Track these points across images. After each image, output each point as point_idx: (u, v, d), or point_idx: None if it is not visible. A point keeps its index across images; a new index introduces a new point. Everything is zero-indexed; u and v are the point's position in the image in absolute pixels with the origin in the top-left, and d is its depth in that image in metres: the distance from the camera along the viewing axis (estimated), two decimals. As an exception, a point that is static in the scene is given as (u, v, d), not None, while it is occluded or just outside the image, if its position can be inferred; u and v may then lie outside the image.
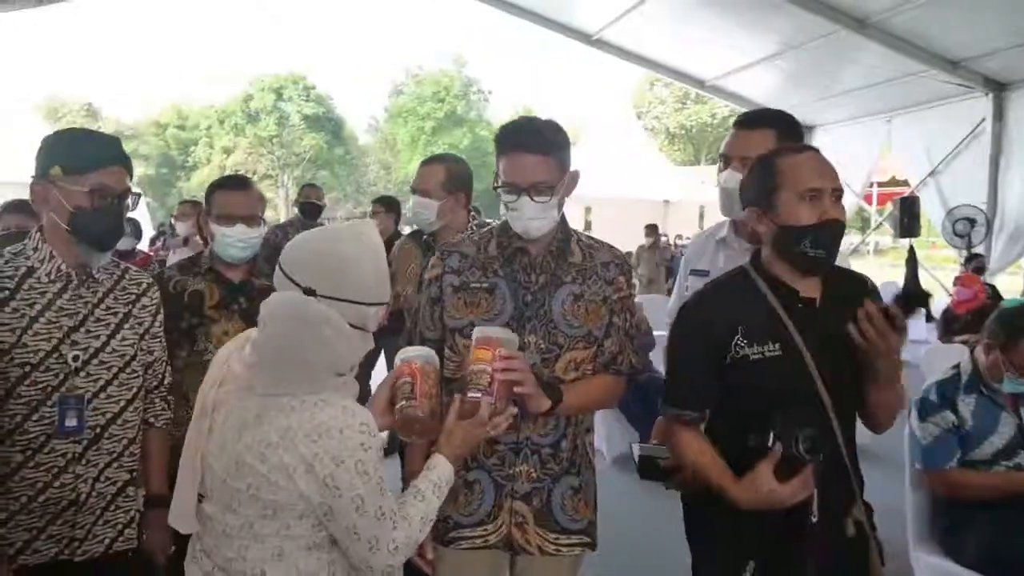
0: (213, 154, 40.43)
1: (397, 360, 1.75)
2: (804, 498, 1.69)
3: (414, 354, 1.74)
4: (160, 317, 2.20)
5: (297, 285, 1.48)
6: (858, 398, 1.83)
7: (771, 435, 1.66)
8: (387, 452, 3.97)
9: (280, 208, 36.12)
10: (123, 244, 7.69)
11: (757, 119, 2.30)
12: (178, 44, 63.77)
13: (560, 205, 1.94)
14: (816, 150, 1.81)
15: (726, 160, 2.27)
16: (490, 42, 71.83)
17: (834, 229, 1.75)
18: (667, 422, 1.94)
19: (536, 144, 1.87)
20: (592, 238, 2.09)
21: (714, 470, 1.80)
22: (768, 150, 1.94)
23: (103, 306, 2.05)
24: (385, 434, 1.63)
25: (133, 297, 2.13)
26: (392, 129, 42.12)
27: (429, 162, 3.08)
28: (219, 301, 2.60)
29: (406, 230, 5.16)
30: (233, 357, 1.58)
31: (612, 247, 2.08)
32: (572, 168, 1.94)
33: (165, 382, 2.23)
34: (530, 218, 1.88)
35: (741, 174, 2.02)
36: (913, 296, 1.73)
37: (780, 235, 1.77)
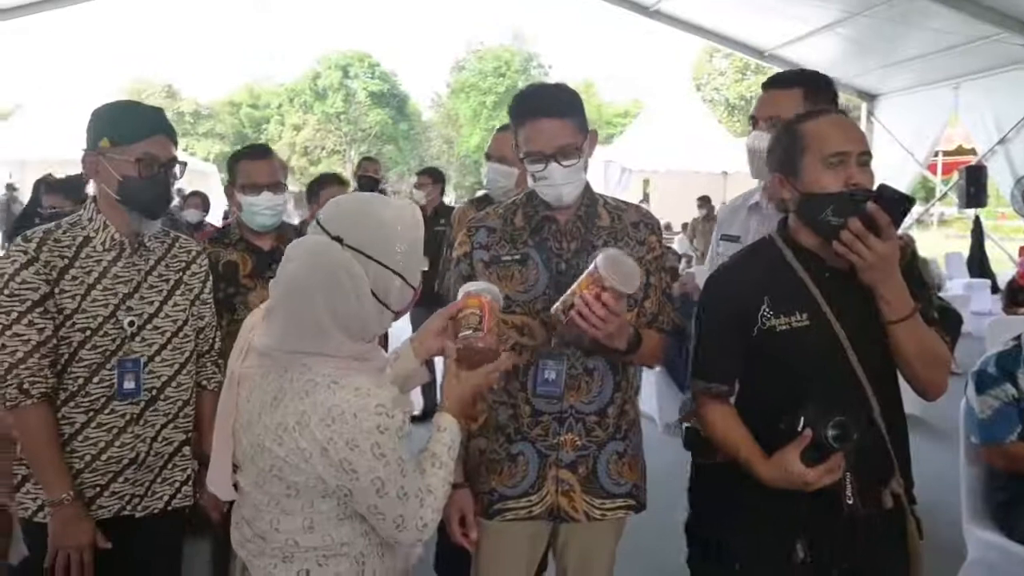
0: (284, 131, 41.04)
1: (460, 293, 1.70)
2: (831, 482, 1.62)
3: (482, 287, 1.70)
4: (209, 284, 2.23)
5: (327, 232, 1.40)
6: (895, 370, 1.74)
7: (801, 420, 1.60)
8: (422, 417, 3.99)
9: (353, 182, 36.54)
10: (192, 216, 7.93)
11: (784, 79, 2.26)
12: (250, 26, 64.74)
13: (586, 167, 1.90)
14: (843, 112, 1.72)
15: (754, 121, 2.24)
16: (549, 17, 70.87)
17: (860, 197, 1.64)
18: (697, 396, 1.89)
19: (555, 108, 1.83)
20: (618, 200, 2.04)
21: (743, 446, 1.74)
22: (796, 111, 1.87)
23: (155, 273, 2.08)
24: (419, 401, 1.61)
25: (183, 264, 2.16)
26: (454, 104, 42.01)
27: (508, 128, 2.98)
28: (252, 270, 2.65)
29: (447, 202, 5.14)
30: (257, 327, 1.52)
31: (638, 207, 2.03)
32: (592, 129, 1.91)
33: (216, 347, 2.27)
34: (561, 183, 1.84)
35: (768, 135, 1.97)
36: (890, 197, 1.62)
37: (803, 202, 1.69)
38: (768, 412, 1.72)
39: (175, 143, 2.04)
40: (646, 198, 18.64)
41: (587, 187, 1.95)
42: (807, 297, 1.71)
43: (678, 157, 17.20)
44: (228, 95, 43.82)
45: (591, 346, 1.79)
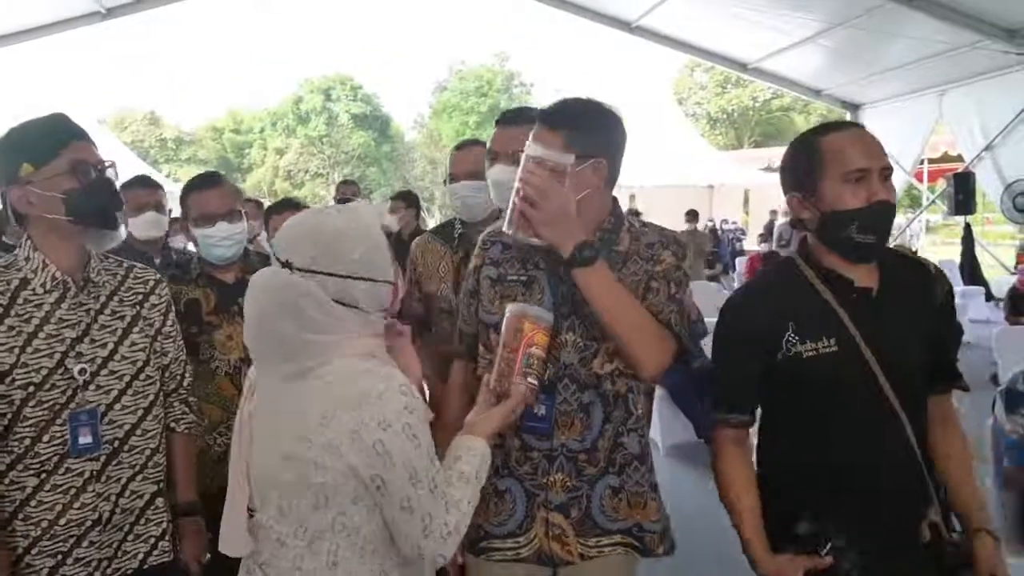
0: (267, 155, 41.03)
1: (524, 317, 1.65)
2: None
3: (541, 314, 1.66)
4: (171, 315, 2.04)
5: (278, 259, 1.41)
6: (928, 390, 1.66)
7: (827, 545, 1.59)
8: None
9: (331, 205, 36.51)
10: (178, 243, 7.79)
11: (517, 116, 2.26)
12: (231, 52, 64.89)
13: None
14: (860, 126, 1.63)
15: (494, 156, 2.20)
16: (530, 35, 71.36)
17: (883, 211, 1.57)
18: (716, 429, 1.79)
19: (549, 116, 1.77)
20: (647, 224, 1.90)
21: (748, 526, 1.69)
22: (522, 144, 1.86)
23: (107, 311, 1.89)
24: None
25: (140, 297, 1.97)
26: (437, 125, 42.11)
27: (469, 144, 2.76)
28: (216, 306, 2.47)
29: (430, 225, 5.02)
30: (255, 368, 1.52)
31: (664, 229, 1.88)
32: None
33: (184, 383, 2.09)
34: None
35: (511, 167, 1.97)
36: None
37: (825, 221, 1.62)
38: (794, 443, 1.67)
39: (94, 144, 1.84)
40: (632, 212, 18.63)
41: (615, 209, 1.84)
42: (834, 321, 1.63)
43: (663, 171, 17.23)
44: (210, 121, 43.79)
45: (540, 241, 1.67)
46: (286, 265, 1.39)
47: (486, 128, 39.48)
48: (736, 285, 10.84)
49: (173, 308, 2.06)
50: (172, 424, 2.06)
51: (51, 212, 1.77)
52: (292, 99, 41.90)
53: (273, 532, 1.43)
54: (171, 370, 2.05)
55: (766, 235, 13.14)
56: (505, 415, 1.62)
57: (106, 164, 1.83)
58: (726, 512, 1.77)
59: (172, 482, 2.04)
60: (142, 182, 3.46)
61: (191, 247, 3.12)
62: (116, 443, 1.87)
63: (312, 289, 1.37)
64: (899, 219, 18.05)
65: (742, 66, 11.11)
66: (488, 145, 2.26)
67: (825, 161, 1.59)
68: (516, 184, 1.64)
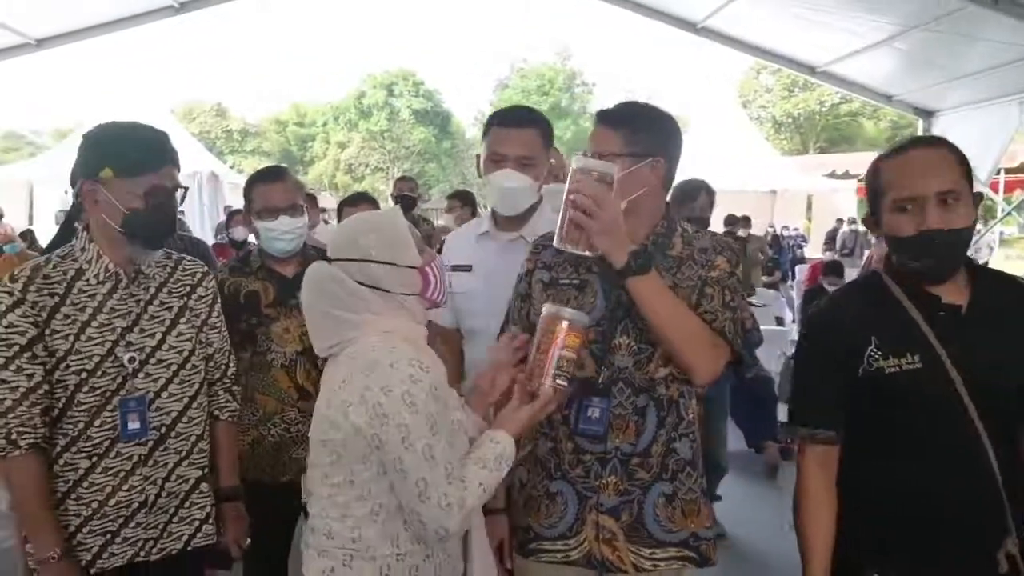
0: (329, 149, 41.69)
1: (550, 312, 1.67)
2: None
3: (576, 316, 1.66)
4: (218, 307, 2.13)
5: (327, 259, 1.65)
6: (1019, 416, 1.58)
7: None
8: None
9: (390, 200, 36.98)
10: (238, 234, 7.95)
11: (523, 119, 2.27)
12: (297, 46, 66.18)
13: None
14: (927, 145, 1.56)
15: (499, 159, 2.21)
16: (594, 34, 71.02)
17: (934, 240, 1.51)
18: (800, 447, 1.76)
19: (608, 115, 1.82)
20: (700, 229, 1.93)
21: (816, 558, 1.66)
22: (530, 149, 2.15)
23: (156, 302, 1.98)
24: (442, 375, 1.56)
25: (187, 289, 2.05)
26: (497, 123, 42.24)
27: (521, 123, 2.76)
28: (275, 298, 2.51)
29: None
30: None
31: (716, 234, 1.90)
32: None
33: (228, 373, 2.17)
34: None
35: (519, 172, 2.15)
36: None
37: (889, 246, 1.64)
38: (870, 463, 1.64)
39: (179, 168, 1.92)
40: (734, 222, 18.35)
41: (668, 214, 1.87)
42: (919, 337, 1.60)
43: (725, 175, 16.89)
44: (275, 114, 44.71)
45: (592, 252, 1.67)
46: (325, 259, 1.63)
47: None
48: (795, 294, 10.60)
49: (219, 300, 2.13)
50: (216, 412, 2.13)
51: (109, 217, 1.86)
52: (355, 94, 42.51)
53: (310, 486, 1.61)
54: (215, 360, 2.13)
55: (830, 243, 12.82)
56: (532, 415, 1.65)
57: (177, 190, 1.93)
58: (794, 533, 1.74)
59: (215, 468, 2.13)
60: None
61: (252, 239, 3.18)
62: (163, 429, 1.95)
63: (337, 273, 1.58)
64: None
65: (810, 69, 10.82)
66: (491, 146, 2.23)
67: (882, 186, 1.60)
68: (568, 196, 1.63)
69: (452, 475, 1.48)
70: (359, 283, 1.57)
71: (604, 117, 1.79)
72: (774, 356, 6.18)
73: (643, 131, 1.76)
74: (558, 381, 1.64)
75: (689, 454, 1.83)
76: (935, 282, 1.62)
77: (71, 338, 1.84)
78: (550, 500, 1.83)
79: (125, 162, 1.83)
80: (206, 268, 2.13)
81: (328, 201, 23.56)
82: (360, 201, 3.71)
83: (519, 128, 2.21)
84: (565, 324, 1.63)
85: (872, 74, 10.02)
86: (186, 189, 1.96)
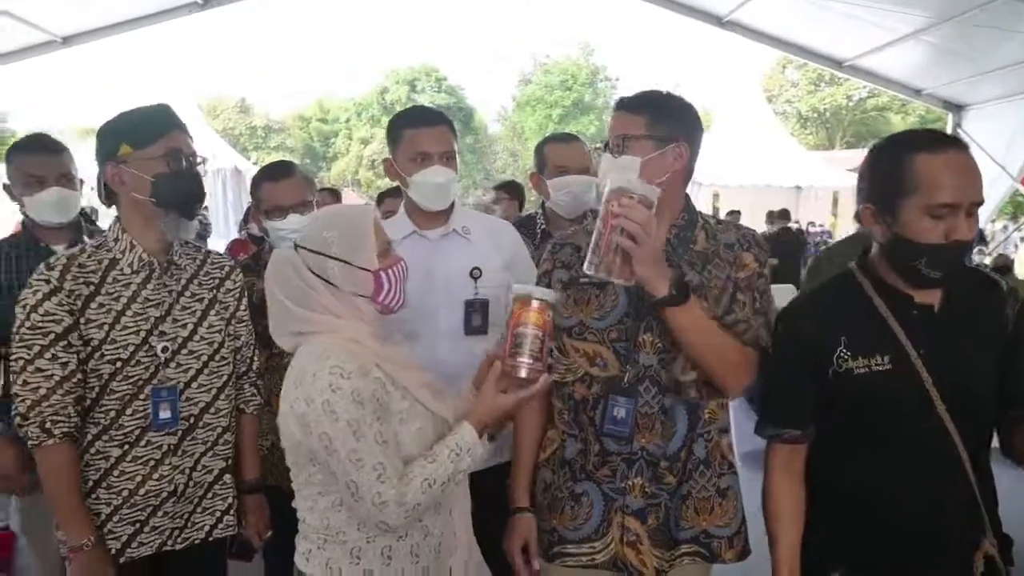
0: (352, 144, 41.90)
1: (517, 292, 1.62)
2: None
3: (543, 293, 1.61)
4: (244, 301, 2.16)
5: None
6: (991, 416, 1.61)
7: None
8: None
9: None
10: (257, 229, 7.99)
11: (439, 117, 2.35)
12: (320, 42, 66.53)
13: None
14: (961, 147, 1.48)
15: (424, 156, 2.26)
16: (617, 29, 70.63)
17: (958, 251, 1.48)
18: (768, 447, 1.77)
19: (630, 101, 1.80)
20: (721, 221, 1.92)
21: (784, 565, 1.68)
22: (450, 143, 2.24)
23: (188, 293, 2.01)
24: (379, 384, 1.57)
25: (216, 282, 2.08)
26: (520, 118, 42.18)
27: (573, 139, 2.90)
28: None
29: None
30: None
31: (741, 226, 1.88)
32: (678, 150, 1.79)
33: (254, 367, 2.20)
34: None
35: (450, 169, 2.24)
36: None
37: (896, 244, 1.54)
38: (843, 464, 1.64)
39: (190, 137, 1.97)
40: (715, 212, 18.24)
41: (688, 206, 1.84)
42: (889, 337, 1.57)
43: (749, 171, 16.80)
44: (298, 110, 45.00)
45: (627, 281, 1.60)
46: (295, 245, 1.64)
47: (569, 122, 39.45)
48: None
49: (246, 294, 2.15)
50: (242, 405, 2.18)
51: (139, 192, 1.88)
52: (378, 90, 42.72)
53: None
54: (243, 353, 2.16)
55: (856, 240, 12.66)
56: (497, 401, 1.63)
57: (199, 159, 1.95)
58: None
59: (239, 460, 2.16)
60: (36, 145, 2.64)
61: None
62: (192, 419, 1.98)
63: (297, 261, 1.61)
64: (999, 225, 17.15)
65: (837, 63, 10.68)
66: (411, 146, 2.26)
67: (913, 184, 1.48)
68: (610, 220, 1.54)
69: (385, 474, 1.49)
70: (315, 275, 1.60)
71: (626, 103, 1.78)
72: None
73: (666, 116, 1.74)
74: (519, 359, 1.58)
75: (703, 453, 1.82)
76: (925, 289, 1.58)
77: (106, 327, 1.86)
78: (575, 502, 1.82)
79: (138, 133, 1.87)
80: (233, 262, 2.17)
81: (352, 198, 23.65)
82: (392, 195, 3.67)
83: (436, 125, 2.28)
84: (520, 302, 1.60)
85: (901, 68, 9.87)
86: (204, 160, 1.98)
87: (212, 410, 2.02)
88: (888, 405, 1.57)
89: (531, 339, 1.58)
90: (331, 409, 1.48)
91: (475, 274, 2.30)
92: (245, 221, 8.08)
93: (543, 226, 2.94)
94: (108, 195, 1.95)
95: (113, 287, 1.89)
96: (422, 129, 2.26)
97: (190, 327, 1.99)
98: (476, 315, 2.30)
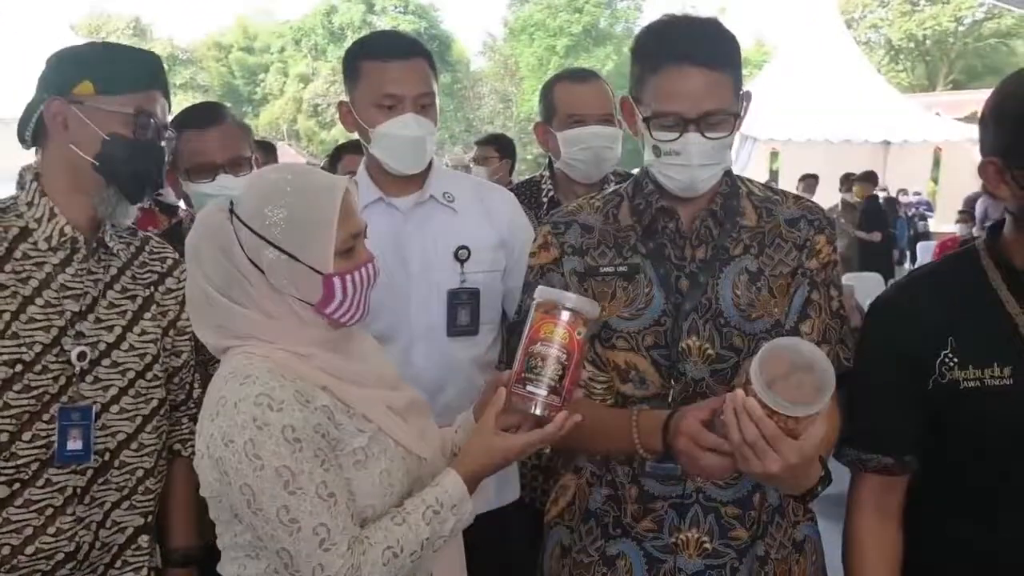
0: (287, 83, 41.91)
1: (538, 298, 1.59)
2: None
3: (577, 304, 1.57)
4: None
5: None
6: None
7: None
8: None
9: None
10: (169, 197, 7.95)
11: (413, 47, 2.34)
12: (246, -56, 66.23)
13: (731, 145, 1.81)
14: None
15: (397, 99, 2.25)
16: (645, -71, 70.60)
17: None
18: (853, 475, 1.78)
19: (711, 52, 1.70)
20: (770, 187, 1.95)
21: None
22: (428, 84, 2.22)
23: (118, 287, 1.96)
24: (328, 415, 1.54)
25: (155, 277, 2.04)
26: (513, 49, 42.24)
27: (593, 77, 2.88)
28: None
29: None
30: None
31: (799, 196, 1.90)
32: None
33: (195, 396, 2.14)
34: (701, 164, 1.73)
35: (421, 115, 2.22)
36: None
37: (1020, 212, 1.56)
38: (946, 509, 1.64)
39: (169, 105, 1.98)
40: (773, 177, 18.26)
41: (727, 171, 1.84)
42: (1014, 343, 1.57)
43: (820, 121, 16.82)
44: (214, 35, 44.89)
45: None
46: (232, 209, 1.58)
47: (579, 55, 39.33)
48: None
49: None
50: (177, 446, 2.13)
51: (82, 148, 1.85)
52: (322, 10, 42.68)
53: None
54: (181, 376, 2.12)
55: (966, 213, 12.72)
56: (493, 445, 1.59)
57: (169, 133, 1.96)
58: None
59: (166, 519, 2.11)
60: None
61: (183, 205, 3.18)
62: (107, 455, 1.92)
63: (229, 232, 1.55)
64: None
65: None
66: (374, 87, 2.25)
67: None
68: (737, 430, 1.44)
69: (330, 540, 1.45)
70: (249, 260, 1.55)
71: (704, 56, 1.69)
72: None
73: (739, 65, 1.77)
74: (528, 388, 1.55)
75: (776, 499, 1.83)
76: None
77: (7, 316, 1.81)
78: (608, 567, 1.81)
79: (109, 73, 1.86)
80: (177, 256, 2.09)
81: (289, 154, 23.56)
82: (350, 152, 3.61)
83: (410, 58, 2.24)
84: (565, 316, 1.56)
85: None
86: (174, 136, 2.00)
87: (134, 445, 1.96)
88: (1006, 433, 1.56)
89: (553, 363, 1.54)
90: (255, 454, 1.44)
91: (461, 255, 2.29)
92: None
93: (551, 192, 2.92)
94: (35, 135, 1.91)
95: (22, 265, 1.85)
96: (391, 63, 2.22)
97: (117, 331, 1.94)
98: (462, 309, 2.28)
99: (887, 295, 1.80)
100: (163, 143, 1.94)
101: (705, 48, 1.70)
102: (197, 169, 2.43)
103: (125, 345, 1.95)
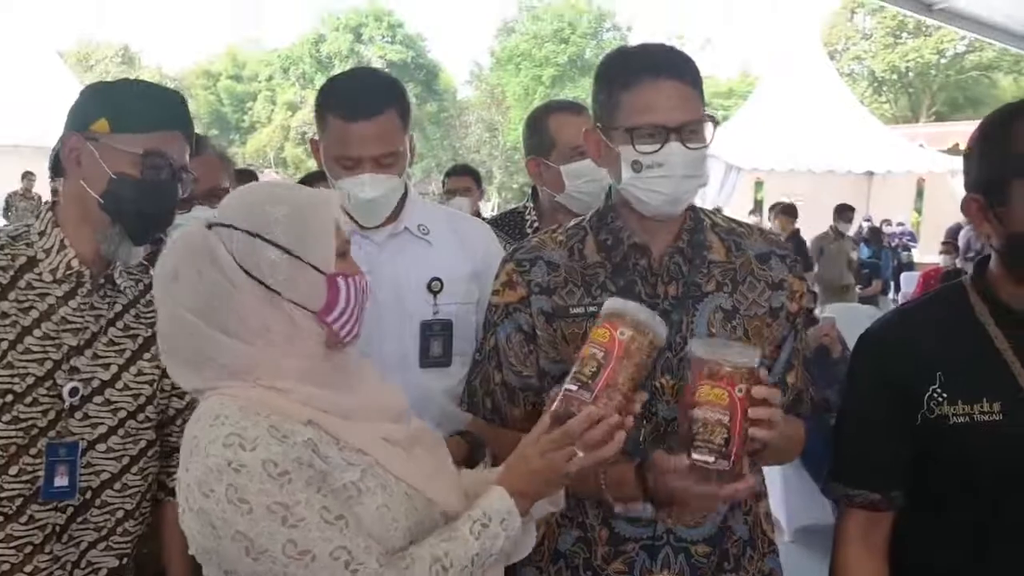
0: (275, 111, 42.16)
1: (617, 312, 1.53)
2: None
3: (627, 309, 1.52)
4: None
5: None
6: None
7: None
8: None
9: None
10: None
11: (370, 106, 2.22)
12: (235, -26, 66.72)
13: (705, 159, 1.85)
14: None
15: (355, 162, 2.20)
16: (631, -38, 71.50)
17: None
18: (840, 510, 1.81)
19: (682, 68, 1.75)
20: (732, 220, 1.95)
21: None
22: (390, 142, 2.14)
23: (120, 324, 1.95)
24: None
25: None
26: (500, 79, 42.62)
27: (582, 109, 2.81)
28: None
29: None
30: None
31: (763, 230, 1.91)
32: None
33: None
34: (684, 174, 1.73)
35: (380, 173, 2.15)
36: None
37: (1013, 243, 1.56)
38: (934, 545, 1.66)
39: (191, 146, 1.98)
40: (757, 207, 18.38)
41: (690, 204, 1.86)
42: (1003, 378, 1.58)
43: (805, 151, 16.98)
44: (202, 63, 45.11)
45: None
46: (214, 224, 1.50)
47: (565, 85, 39.77)
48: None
49: None
50: (172, 483, 1.98)
51: (90, 184, 1.86)
52: (311, 39, 43.01)
53: None
54: (184, 418, 1.98)
55: (949, 243, 12.80)
56: (531, 456, 1.51)
57: (186, 173, 1.94)
58: None
59: (161, 564, 2.06)
60: None
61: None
62: (88, 494, 1.90)
63: (214, 243, 1.46)
64: None
65: (925, 5, 10.77)
66: (335, 145, 2.21)
67: None
68: (747, 411, 1.51)
69: (355, 561, 1.37)
70: (242, 269, 1.46)
71: (676, 70, 1.74)
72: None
73: (701, 86, 1.80)
74: (567, 386, 1.50)
75: (746, 531, 1.84)
76: None
77: (3, 345, 1.81)
78: None
79: (125, 112, 1.87)
80: None
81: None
82: (317, 181, 3.59)
83: (371, 118, 2.19)
84: (608, 322, 1.52)
85: (1013, 10, 9.97)
86: (193, 178, 1.98)
87: (118, 485, 1.94)
88: (994, 469, 1.57)
89: (584, 359, 1.50)
90: (239, 498, 1.36)
91: (434, 287, 2.27)
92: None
93: (535, 224, 2.89)
94: (55, 167, 1.93)
95: (25, 294, 1.85)
96: (352, 125, 2.18)
97: (114, 370, 1.93)
98: (435, 341, 2.27)
99: (875, 330, 1.78)
100: (179, 184, 1.93)
101: (677, 62, 1.75)
102: None
103: (120, 384, 1.93)
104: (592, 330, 1.53)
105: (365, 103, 2.18)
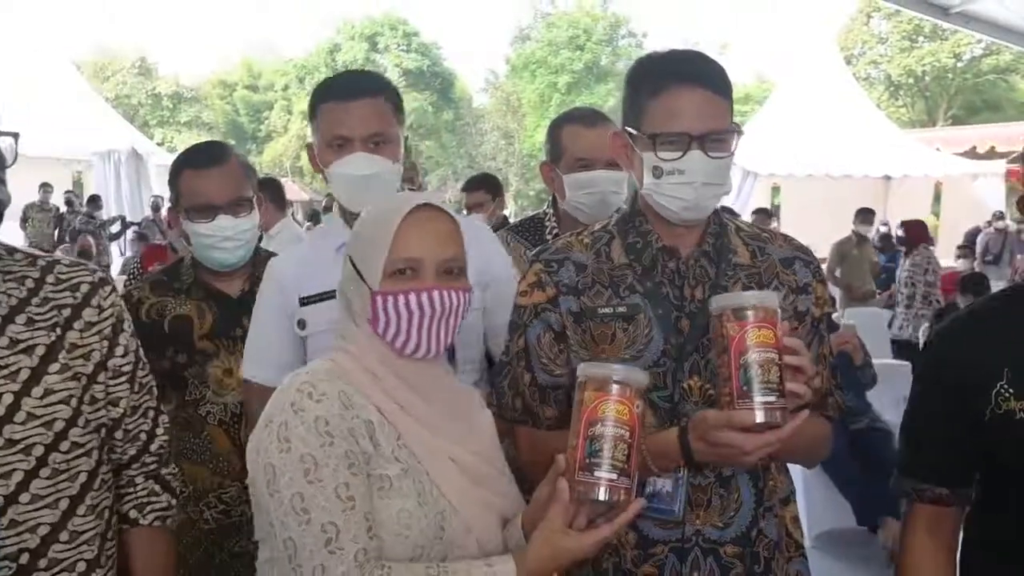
0: (291, 120, 42.08)
1: (586, 381, 1.50)
2: None
3: (627, 376, 1.49)
4: (124, 338, 1.71)
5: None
6: None
7: None
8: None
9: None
10: (174, 237, 7.90)
11: (352, 89, 2.29)
12: (251, -16, 66.86)
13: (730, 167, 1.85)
14: None
15: (344, 140, 2.22)
16: (646, -32, 71.30)
17: None
18: (907, 505, 1.80)
19: (711, 76, 1.75)
20: (755, 226, 1.98)
21: None
22: (380, 122, 2.17)
23: (4, 340, 1.54)
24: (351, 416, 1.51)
25: (67, 313, 1.62)
26: (515, 86, 42.48)
27: (601, 119, 2.82)
28: (213, 327, 2.45)
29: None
30: None
31: (787, 236, 1.92)
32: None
33: (153, 446, 1.79)
34: (704, 182, 1.73)
35: (372, 153, 2.16)
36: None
37: None
38: (1003, 545, 1.63)
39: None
40: (775, 211, 18.28)
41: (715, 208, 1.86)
42: None
43: (820, 157, 16.89)
44: (219, 73, 45.17)
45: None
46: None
47: (581, 92, 39.59)
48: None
49: (126, 327, 1.74)
50: (133, 513, 1.77)
51: None
52: (326, 48, 43.00)
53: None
54: (126, 428, 1.74)
55: (967, 247, 12.70)
56: (551, 541, 1.48)
57: None
58: None
59: None
60: None
61: (184, 243, 3.11)
62: (25, 558, 1.55)
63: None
64: None
65: (942, 9, 10.74)
66: (326, 129, 2.23)
67: None
68: (762, 351, 1.51)
69: (337, 543, 1.40)
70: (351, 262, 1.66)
71: (703, 77, 1.73)
72: (892, 401, 6.10)
73: (731, 95, 1.81)
74: (596, 473, 1.46)
75: (775, 532, 1.83)
76: None
77: None
78: None
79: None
80: (99, 274, 1.72)
81: (292, 190, 23.66)
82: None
83: (360, 99, 2.20)
84: (595, 388, 1.49)
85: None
86: (16, 135, 1.58)
87: (64, 536, 1.59)
88: None
89: (611, 441, 1.46)
90: (285, 436, 1.46)
91: None
92: (154, 222, 8.08)
93: (555, 230, 2.90)
94: None
95: None
96: (342, 104, 2.19)
97: (8, 400, 1.52)
98: None
99: (945, 328, 1.81)
100: None
101: (707, 71, 1.75)
102: (196, 209, 2.42)
103: (20, 415, 1.53)
104: (604, 404, 1.47)
105: (356, 86, 2.24)
